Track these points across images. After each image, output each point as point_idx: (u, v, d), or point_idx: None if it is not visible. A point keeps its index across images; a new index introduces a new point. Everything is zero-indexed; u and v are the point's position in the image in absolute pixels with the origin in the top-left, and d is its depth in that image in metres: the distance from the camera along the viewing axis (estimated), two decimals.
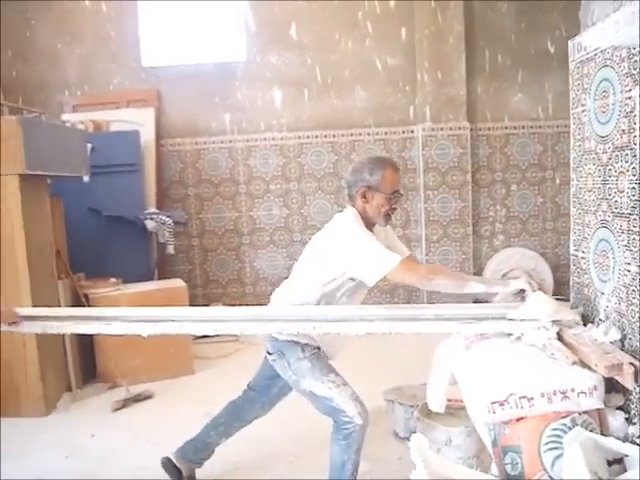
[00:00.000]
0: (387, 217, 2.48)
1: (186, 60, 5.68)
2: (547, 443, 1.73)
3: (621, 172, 1.96)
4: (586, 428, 1.73)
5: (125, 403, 3.88)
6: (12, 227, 3.61)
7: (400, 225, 5.70)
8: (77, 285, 4.32)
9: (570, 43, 2.36)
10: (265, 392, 2.72)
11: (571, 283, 2.44)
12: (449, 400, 2.25)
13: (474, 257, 5.78)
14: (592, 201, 2.19)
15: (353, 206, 2.49)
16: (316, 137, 5.74)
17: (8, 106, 4.00)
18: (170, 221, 5.09)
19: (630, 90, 1.88)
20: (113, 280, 4.44)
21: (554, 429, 1.73)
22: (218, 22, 5.74)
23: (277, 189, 5.80)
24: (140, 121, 5.37)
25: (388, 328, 2.20)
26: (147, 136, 5.39)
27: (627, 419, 1.89)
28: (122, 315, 2.41)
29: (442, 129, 5.57)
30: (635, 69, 1.85)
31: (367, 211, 2.46)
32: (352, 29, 5.65)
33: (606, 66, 2.04)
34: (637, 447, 1.71)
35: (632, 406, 1.91)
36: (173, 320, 2.34)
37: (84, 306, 4.15)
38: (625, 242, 1.95)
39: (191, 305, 4.59)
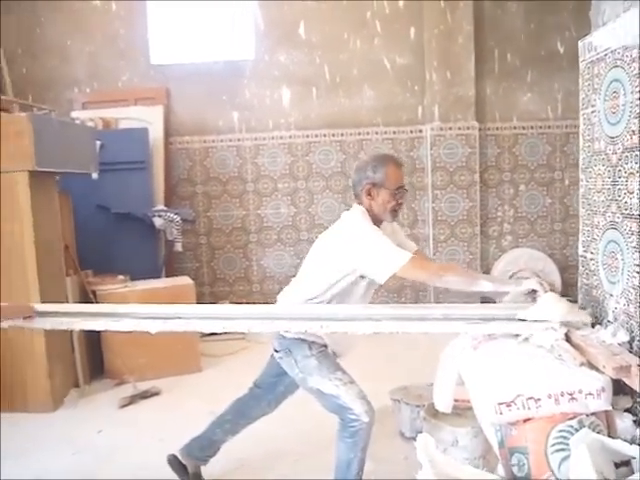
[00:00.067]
0: (394, 213, 2.49)
1: (195, 58, 5.70)
2: (554, 444, 1.72)
3: (631, 173, 1.95)
4: (593, 430, 1.72)
5: (132, 400, 3.90)
6: (21, 223, 3.63)
7: (408, 224, 5.70)
8: (85, 282, 4.34)
9: (580, 43, 2.35)
10: (271, 390, 2.72)
11: (579, 284, 2.44)
12: (456, 400, 2.24)
13: (482, 257, 5.77)
14: (601, 202, 2.18)
15: (360, 204, 2.50)
16: (324, 136, 5.74)
17: (18, 103, 4.02)
18: (178, 219, 5.11)
19: None
20: (121, 277, 4.46)
21: (561, 430, 1.73)
22: (227, 21, 5.75)
23: (285, 188, 5.80)
24: (149, 119, 5.39)
25: (395, 327, 2.20)
26: (156, 134, 5.41)
27: (635, 421, 1.89)
28: (131, 312, 2.41)
29: (450, 129, 5.56)
30: None
31: (373, 208, 2.47)
32: (361, 28, 5.64)
33: (617, 67, 2.03)
34: None
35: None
36: (181, 317, 2.34)
37: (92, 302, 4.17)
38: (634, 244, 1.94)
39: (198, 303, 4.61)
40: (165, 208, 5.25)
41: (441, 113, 5.56)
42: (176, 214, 5.13)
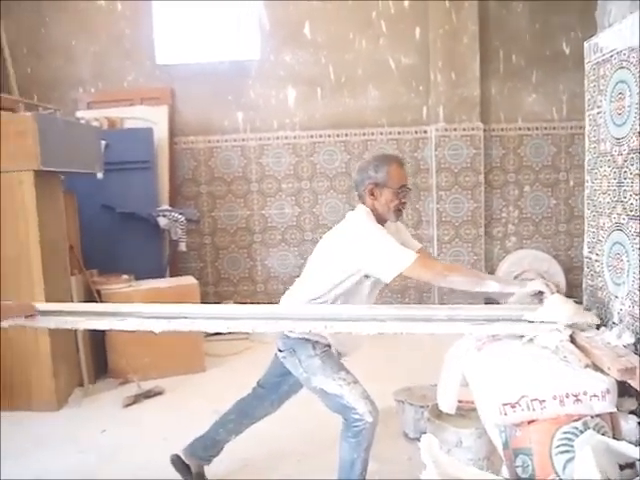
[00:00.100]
0: (398, 212, 2.49)
1: (200, 58, 5.71)
2: (559, 446, 1.72)
3: (637, 174, 1.95)
4: (598, 432, 1.72)
5: (136, 399, 3.91)
6: (26, 223, 3.65)
7: (412, 225, 5.69)
8: (90, 281, 4.35)
9: (586, 44, 2.34)
10: (275, 390, 2.72)
11: (584, 286, 2.43)
12: (460, 401, 2.24)
13: (486, 258, 5.76)
14: (607, 203, 2.17)
15: (363, 205, 2.51)
16: (329, 136, 5.74)
17: (24, 103, 4.03)
18: (182, 218, 5.11)
19: None
20: (125, 277, 4.47)
21: (566, 432, 1.72)
22: (232, 20, 5.76)
23: (289, 188, 5.81)
24: (154, 119, 5.40)
25: (400, 328, 2.19)
26: (160, 134, 5.42)
27: None
28: (135, 311, 2.42)
29: (455, 129, 5.56)
30: None
31: (377, 208, 2.47)
32: (366, 28, 5.64)
33: (622, 68, 2.02)
34: None
35: None
36: (186, 317, 2.35)
37: (96, 302, 4.18)
38: None
39: (202, 303, 4.61)
40: (170, 208, 5.26)
41: (446, 114, 5.56)
42: (181, 214, 5.14)
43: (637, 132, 1.93)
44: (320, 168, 5.78)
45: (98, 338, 4.25)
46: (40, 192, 3.69)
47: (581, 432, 1.71)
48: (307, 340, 2.43)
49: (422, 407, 3.06)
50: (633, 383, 1.78)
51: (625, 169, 2.02)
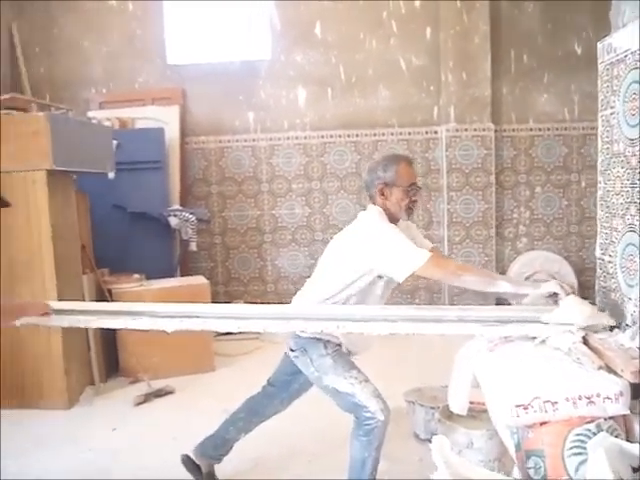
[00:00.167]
0: (409, 210, 2.50)
1: (211, 58, 5.72)
2: (571, 448, 1.71)
3: None
4: (611, 434, 1.71)
5: (147, 398, 3.93)
6: (39, 222, 3.67)
7: (423, 226, 5.68)
8: (101, 280, 4.37)
9: (599, 44, 2.33)
10: (285, 388, 2.73)
11: (597, 287, 2.41)
12: (471, 403, 2.23)
13: (497, 259, 5.74)
14: (620, 204, 2.16)
15: (374, 205, 2.51)
16: (339, 136, 5.74)
17: (36, 103, 4.06)
18: (193, 218, 5.13)
19: None
20: (136, 276, 4.49)
21: (578, 434, 1.72)
22: (243, 21, 5.77)
23: (299, 188, 5.81)
24: (165, 119, 5.43)
25: (411, 329, 2.19)
26: (172, 134, 5.44)
27: None
28: (147, 310, 2.43)
29: (466, 130, 5.54)
30: None
31: (388, 207, 2.48)
32: (377, 28, 5.64)
33: (636, 68, 2.01)
34: None
35: None
36: (198, 317, 2.36)
37: (108, 301, 4.20)
38: None
39: (213, 302, 4.62)
40: (180, 208, 5.27)
41: (457, 114, 5.54)
42: (191, 214, 5.16)
43: None
44: (330, 168, 5.78)
45: (109, 337, 4.27)
46: (52, 192, 3.71)
47: (594, 434, 1.70)
48: (318, 339, 2.43)
49: (433, 408, 3.05)
50: None
51: (639, 170, 2.01)
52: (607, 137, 2.27)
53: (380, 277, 2.39)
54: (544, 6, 5.57)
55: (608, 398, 1.75)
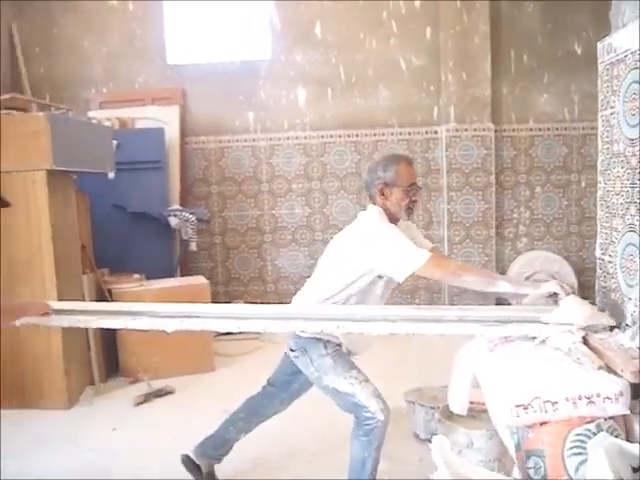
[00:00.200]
0: (409, 210, 2.50)
1: (211, 58, 5.72)
2: (571, 448, 1.71)
3: None
4: (611, 434, 1.71)
5: (147, 398, 3.93)
6: (39, 222, 3.67)
7: (422, 226, 5.68)
8: (101, 280, 4.37)
9: (599, 44, 2.33)
10: (285, 388, 2.73)
11: (597, 287, 2.41)
12: (471, 403, 2.23)
13: (497, 259, 5.74)
14: (620, 204, 2.16)
15: (374, 205, 2.51)
16: (339, 136, 5.74)
17: (36, 102, 4.06)
18: (193, 218, 5.13)
19: None
20: (136, 276, 4.49)
21: (578, 434, 1.72)
22: (243, 21, 5.77)
23: (299, 188, 5.81)
24: (165, 119, 5.43)
25: (411, 329, 2.19)
26: (172, 134, 5.44)
27: None
28: (147, 310, 2.43)
29: (466, 130, 5.54)
30: None
31: (388, 207, 2.48)
32: (377, 28, 5.64)
33: (636, 68, 2.01)
34: None
35: None
36: (198, 317, 2.35)
37: (107, 301, 4.20)
38: None
39: (213, 302, 4.62)
40: (180, 208, 5.27)
41: (457, 114, 5.54)
42: (191, 214, 5.16)
43: None
44: (330, 168, 5.78)
45: (109, 337, 4.27)
46: (52, 192, 3.71)
47: (594, 434, 1.70)
48: (318, 339, 2.43)
49: (433, 408, 3.05)
50: None
51: (639, 170, 2.01)
52: (607, 137, 2.27)
53: (380, 277, 2.39)
54: (544, 6, 5.57)
55: (608, 398, 1.75)
